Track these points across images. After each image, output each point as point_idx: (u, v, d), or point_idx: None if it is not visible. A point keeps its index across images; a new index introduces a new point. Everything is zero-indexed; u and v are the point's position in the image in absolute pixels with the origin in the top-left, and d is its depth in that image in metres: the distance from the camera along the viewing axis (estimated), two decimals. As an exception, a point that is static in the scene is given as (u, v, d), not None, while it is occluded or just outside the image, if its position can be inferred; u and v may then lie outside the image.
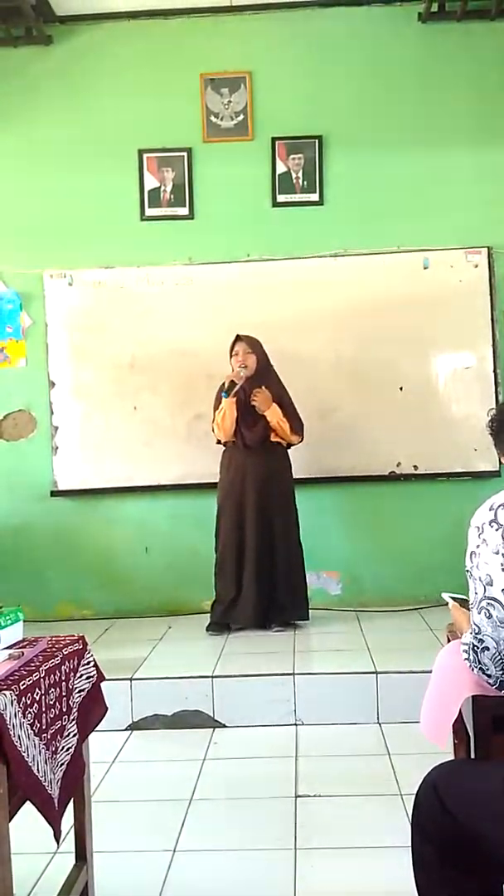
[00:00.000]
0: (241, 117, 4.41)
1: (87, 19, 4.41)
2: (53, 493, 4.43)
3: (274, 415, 3.83)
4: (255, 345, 3.88)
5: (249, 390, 3.83)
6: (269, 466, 3.87)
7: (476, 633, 1.59)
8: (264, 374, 3.88)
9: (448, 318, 4.35)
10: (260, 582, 3.82)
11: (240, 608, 3.87)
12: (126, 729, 3.18)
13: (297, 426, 3.91)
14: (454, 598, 1.89)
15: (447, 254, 4.33)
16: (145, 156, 4.43)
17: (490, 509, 1.63)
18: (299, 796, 2.57)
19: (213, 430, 3.95)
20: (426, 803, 1.52)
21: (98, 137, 4.43)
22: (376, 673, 3.23)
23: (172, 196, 4.44)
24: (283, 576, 3.86)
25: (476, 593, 1.61)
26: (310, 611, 3.99)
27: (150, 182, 4.44)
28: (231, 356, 3.88)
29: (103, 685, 1.95)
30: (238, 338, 3.88)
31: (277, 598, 3.87)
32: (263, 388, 3.81)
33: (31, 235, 4.43)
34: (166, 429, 4.39)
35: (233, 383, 3.80)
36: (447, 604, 1.92)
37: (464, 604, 1.84)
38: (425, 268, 4.34)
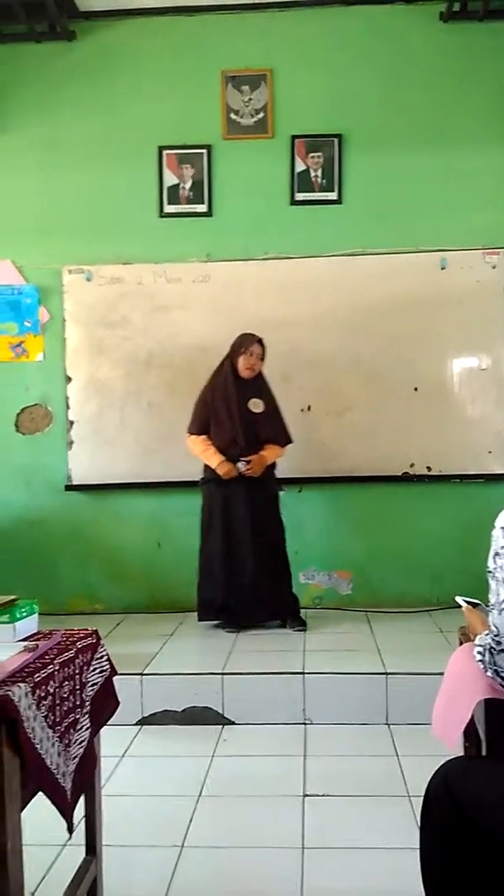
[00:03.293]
0: (261, 115, 4.41)
1: (109, 15, 4.42)
2: (68, 488, 4.45)
3: (271, 459, 3.84)
4: (265, 350, 3.88)
5: (246, 395, 3.82)
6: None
7: (496, 635, 1.59)
8: (259, 378, 3.89)
9: (465, 319, 4.33)
10: (249, 582, 3.81)
11: (230, 609, 3.86)
12: (136, 724, 3.20)
13: (285, 437, 3.90)
14: (468, 602, 1.89)
15: (465, 254, 4.32)
16: (165, 152, 4.44)
17: None
18: (307, 795, 2.58)
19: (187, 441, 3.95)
20: (436, 796, 1.52)
21: (118, 134, 4.45)
22: (386, 674, 3.23)
23: (191, 193, 4.44)
24: (272, 577, 3.84)
25: (498, 595, 1.60)
26: (304, 612, 3.99)
27: (170, 179, 4.45)
28: (241, 352, 3.84)
29: (114, 680, 1.96)
30: (256, 339, 3.85)
31: (269, 595, 3.85)
32: (256, 457, 3.78)
33: (50, 231, 4.45)
34: (181, 425, 4.38)
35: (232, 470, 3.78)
36: (460, 607, 1.92)
37: (477, 607, 1.84)
38: (443, 268, 4.33)
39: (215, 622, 3.92)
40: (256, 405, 3.84)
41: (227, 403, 3.83)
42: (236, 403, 3.82)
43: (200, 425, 3.89)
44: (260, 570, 3.81)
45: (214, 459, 3.81)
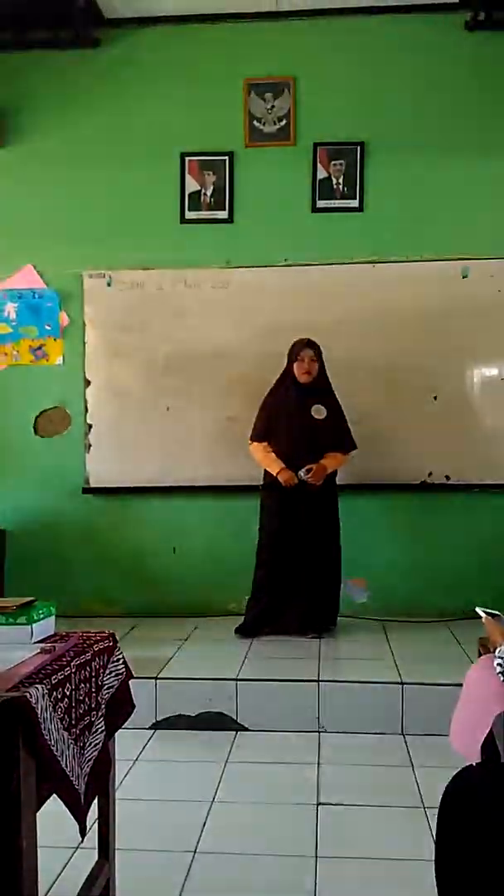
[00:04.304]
0: (283, 122, 4.42)
1: (133, 23, 4.45)
2: (85, 490, 4.47)
3: (332, 468, 3.82)
4: (319, 353, 3.86)
5: (308, 402, 3.80)
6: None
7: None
8: (319, 384, 3.86)
9: (486, 328, 4.30)
10: (302, 590, 3.81)
11: (279, 614, 3.85)
12: (150, 728, 3.20)
13: (348, 444, 3.89)
14: (488, 613, 1.87)
15: (487, 263, 4.29)
16: (187, 159, 4.46)
17: None
18: (321, 804, 2.56)
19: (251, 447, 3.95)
20: (451, 806, 1.51)
21: (141, 140, 4.47)
22: (402, 683, 3.21)
23: (213, 199, 4.46)
24: (323, 584, 3.84)
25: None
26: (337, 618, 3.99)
27: (191, 185, 4.47)
28: (295, 359, 3.84)
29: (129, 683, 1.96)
30: (306, 344, 3.84)
31: (315, 606, 3.85)
32: (317, 466, 3.75)
33: (71, 235, 4.48)
34: (198, 430, 4.41)
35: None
36: (480, 618, 1.90)
37: (497, 619, 1.82)
38: (464, 277, 4.31)
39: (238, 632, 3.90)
40: (319, 411, 3.81)
41: (288, 410, 3.83)
42: (297, 410, 3.81)
43: (261, 432, 3.90)
44: (310, 583, 3.80)
45: (275, 466, 3.80)
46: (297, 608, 3.83)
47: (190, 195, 4.47)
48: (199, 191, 4.47)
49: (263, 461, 3.87)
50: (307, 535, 3.80)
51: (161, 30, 4.46)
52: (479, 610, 1.93)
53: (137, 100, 4.49)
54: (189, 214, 4.47)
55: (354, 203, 4.40)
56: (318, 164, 4.41)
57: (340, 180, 4.41)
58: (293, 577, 3.81)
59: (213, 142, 4.45)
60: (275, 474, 3.80)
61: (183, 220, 4.47)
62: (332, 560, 3.90)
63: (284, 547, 3.82)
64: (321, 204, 4.41)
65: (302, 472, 3.74)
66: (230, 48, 4.44)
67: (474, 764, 1.63)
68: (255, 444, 3.92)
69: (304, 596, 3.82)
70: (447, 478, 4.32)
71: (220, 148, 4.44)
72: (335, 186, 4.41)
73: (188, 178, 4.47)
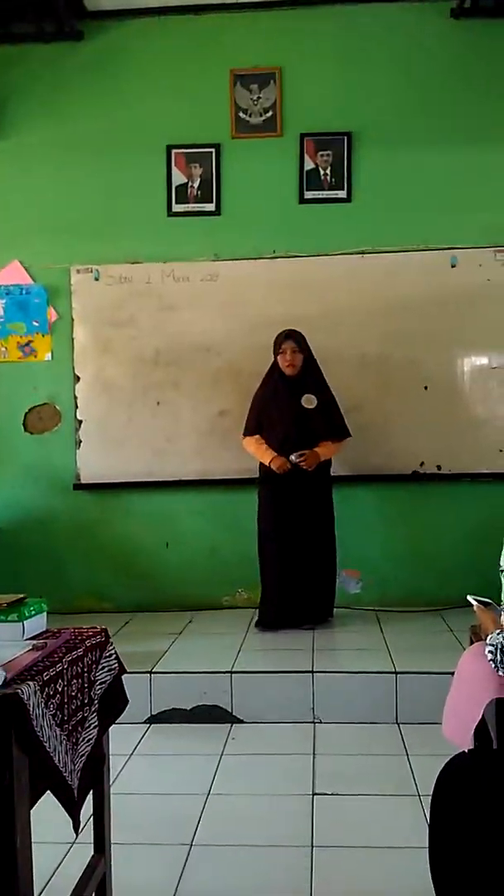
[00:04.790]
0: (269, 113, 4.40)
1: (117, 15, 4.41)
2: (76, 487, 4.46)
3: (325, 455, 3.82)
4: (302, 342, 3.85)
5: (297, 392, 3.80)
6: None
7: (507, 634, 1.58)
8: (308, 373, 3.86)
9: (475, 317, 4.31)
10: (299, 582, 3.82)
11: (283, 608, 3.87)
12: (145, 722, 3.20)
13: (341, 431, 3.89)
14: (479, 601, 1.88)
15: (475, 252, 4.29)
16: (173, 151, 4.43)
17: None
18: (316, 794, 2.57)
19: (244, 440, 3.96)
20: (444, 794, 1.51)
21: (127, 133, 4.45)
22: (396, 673, 3.22)
23: (200, 192, 4.44)
24: (319, 576, 3.85)
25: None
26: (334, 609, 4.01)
27: (178, 178, 4.44)
28: (277, 352, 3.85)
29: (122, 678, 1.96)
30: (287, 334, 3.84)
31: (311, 597, 3.86)
32: (310, 451, 3.75)
33: (58, 230, 4.45)
34: (189, 424, 4.40)
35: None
36: (471, 606, 1.90)
37: (489, 606, 1.83)
38: (453, 266, 4.31)
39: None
40: (309, 401, 3.81)
41: (278, 402, 3.83)
42: (286, 401, 3.81)
43: (253, 426, 3.90)
44: (309, 570, 3.81)
45: (267, 456, 3.80)
46: (295, 600, 3.84)
47: (177, 188, 4.45)
48: (186, 183, 4.45)
49: (256, 453, 3.87)
50: (302, 526, 3.81)
51: (145, 21, 4.43)
52: (470, 598, 1.94)
53: (123, 92, 4.46)
54: (176, 207, 4.45)
55: (342, 194, 4.39)
56: (306, 155, 4.39)
57: (328, 171, 4.39)
58: (291, 569, 3.81)
59: (199, 134, 4.42)
60: (268, 463, 3.80)
61: (170, 213, 4.45)
62: (328, 551, 3.91)
63: (282, 540, 3.82)
64: (309, 195, 4.40)
65: (293, 457, 3.74)
66: (215, 39, 4.41)
67: (466, 751, 1.64)
68: (248, 438, 3.92)
69: (301, 587, 3.83)
70: (439, 468, 4.33)
71: (207, 140, 4.42)
72: (323, 177, 4.40)
73: (175, 170, 4.44)
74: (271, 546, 3.87)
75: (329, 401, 3.89)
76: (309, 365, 3.88)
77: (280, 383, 3.85)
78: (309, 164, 4.39)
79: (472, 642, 1.92)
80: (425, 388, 4.33)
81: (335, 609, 4.04)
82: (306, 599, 3.85)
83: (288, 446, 3.77)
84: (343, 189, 4.38)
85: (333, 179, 4.39)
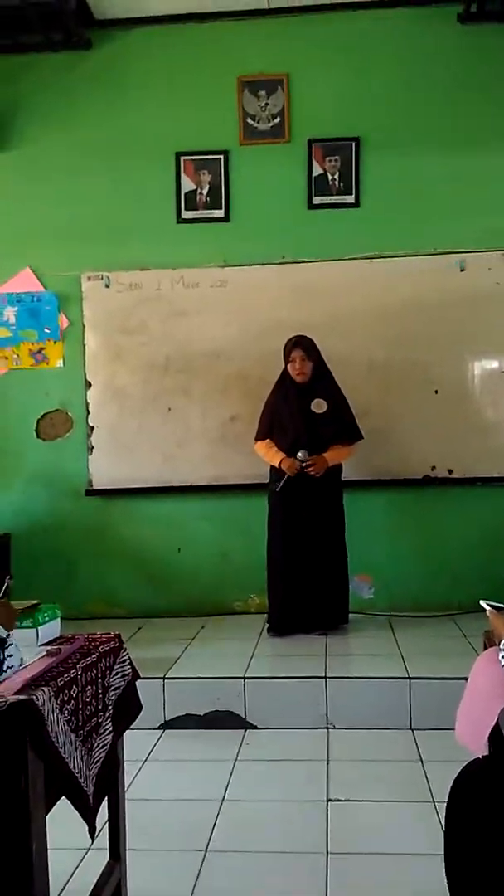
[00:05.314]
0: (277, 119, 4.42)
1: (125, 24, 4.45)
2: (88, 492, 4.47)
3: (333, 461, 3.81)
4: (312, 349, 3.84)
5: (307, 398, 3.80)
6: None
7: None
8: (318, 379, 3.86)
9: (484, 321, 4.30)
10: (310, 587, 3.81)
11: (291, 613, 3.86)
12: (158, 728, 3.21)
13: (351, 434, 3.88)
14: (493, 606, 1.87)
15: (484, 256, 4.29)
16: (182, 158, 4.46)
17: None
18: (331, 800, 2.56)
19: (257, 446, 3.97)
20: (459, 800, 1.51)
21: (136, 140, 4.47)
22: (409, 678, 3.21)
23: (208, 198, 4.46)
24: (330, 581, 3.84)
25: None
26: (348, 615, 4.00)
27: (187, 185, 4.46)
28: (287, 361, 3.85)
29: (136, 684, 1.97)
30: (296, 342, 3.84)
31: (323, 603, 3.85)
32: (318, 457, 3.75)
33: (69, 237, 4.48)
34: (200, 430, 4.41)
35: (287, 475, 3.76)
36: (485, 611, 1.90)
37: (502, 612, 1.82)
38: (461, 270, 4.30)
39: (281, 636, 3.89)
40: (319, 406, 3.81)
41: (289, 408, 3.84)
42: (297, 406, 3.82)
43: (265, 431, 3.91)
44: (319, 575, 3.80)
45: (277, 458, 3.81)
46: (307, 605, 3.83)
47: (186, 195, 4.47)
48: (195, 190, 4.46)
49: (266, 456, 3.88)
50: (312, 531, 3.80)
51: (152, 30, 4.46)
52: (483, 603, 1.93)
53: (131, 101, 4.48)
54: (185, 214, 4.47)
55: (350, 199, 4.40)
56: (314, 161, 4.40)
57: (336, 176, 4.40)
58: (302, 574, 3.81)
59: (207, 141, 4.44)
60: (277, 464, 3.80)
61: (179, 220, 4.47)
62: (338, 556, 3.90)
63: (291, 544, 3.82)
64: (317, 200, 4.41)
65: (300, 454, 3.73)
66: (222, 46, 4.43)
67: (481, 757, 1.63)
68: (259, 442, 3.93)
69: (313, 592, 3.82)
70: (450, 472, 4.32)
71: (215, 147, 4.44)
72: (331, 182, 4.41)
73: (184, 177, 4.47)
74: (279, 551, 3.86)
75: (340, 405, 3.89)
76: (320, 370, 3.88)
77: (291, 390, 3.86)
78: (317, 170, 4.40)
79: (485, 647, 1.92)
80: (435, 392, 4.32)
81: (349, 614, 4.02)
82: (316, 605, 3.84)
83: (298, 450, 3.78)
84: (351, 194, 4.39)
85: (341, 185, 4.40)
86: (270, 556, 3.92)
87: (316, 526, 3.81)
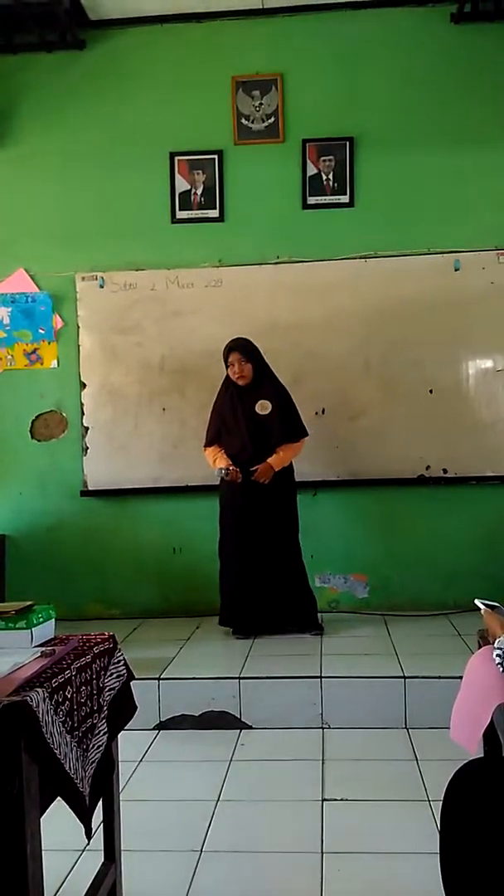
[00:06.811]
0: (271, 119, 4.42)
1: (119, 24, 4.44)
2: (83, 493, 4.47)
3: (280, 464, 3.80)
4: (250, 352, 3.82)
5: (251, 400, 3.80)
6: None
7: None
8: (260, 380, 3.84)
9: (479, 320, 4.31)
10: (265, 586, 3.80)
11: (238, 613, 3.87)
12: (153, 728, 3.20)
13: (296, 432, 3.86)
14: (487, 605, 1.87)
15: (479, 255, 4.30)
16: (176, 158, 4.45)
17: None
18: (326, 800, 2.57)
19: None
20: (455, 800, 1.51)
21: (130, 140, 4.47)
22: (404, 678, 3.21)
23: (203, 198, 4.46)
24: (286, 582, 3.83)
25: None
26: (320, 616, 3.97)
27: (181, 184, 4.46)
28: (226, 365, 3.85)
29: (131, 684, 1.97)
30: (232, 346, 3.82)
31: (281, 605, 3.83)
32: (262, 466, 3.75)
33: (62, 237, 4.48)
34: (195, 430, 4.39)
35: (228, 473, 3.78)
36: (479, 609, 1.90)
37: (496, 610, 1.83)
38: (456, 269, 4.31)
39: (229, 628, 3.92)
40: (263, 407, 3.81)
41: (234, 412, 3.84)
42: (241, 409, 3.82)
43: (212, 436, 3.93)
44: (273, 575, 3.81)
45: (221, 462, 3.82)
46: (266, 605, 3.82)
47: (180, 195, 4.47)
48: (190, 190, 4.46)
49: (213, 464, 3.88)
50: (261, 531, 3.80)
51: (146, 29, 4.45)
52: (478, 602, 1.93)
53: (125, 100, 4.48)
54: (180, 214, 4.47)
55: (345, 199, 4.40)
56: (308, 161, 4.40)
57: (330, 176, 4.40)
58: (250, 573, 3.80)
59: (201, 141, 4.44)
60: (216, 468, 3.82)
61: (174, 220, 4.47)
62: (290, 555, 3.85)
63: (241, 543, 3.82)
64: (312, 200, 4.41)
65: (217, 472, 3.76)
66: (216, 46, 4.43)
67: (476, 757, 1.63)
68: (207, 449, 3.93)
69: (269, 592, 3.81)
70: (444, 471, 4.32)
71: (209, 146, 4.44)
72: (325, 182, 4.41)
73: (178, 177, 4.46)
74: (228, 549, 3.87)
75: (284, 404, 3.87)
76: (261, 372, 3.86)
77: (234, 393, 3.85)
78: (311, 170, 4.41)
79: (479, 646, 1.92)
80: (430, 391, 4.33)
81: (343, 613, 4.03)
82: (269, 605, 3.82)
83: (244, 454, 3.78)
84: (345, 194, 4.39)
85: (336, 185, 4.40)
86: (221, 553, 3.91)
87: (265, 525, 3.80)
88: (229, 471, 3.76)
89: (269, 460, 3.77)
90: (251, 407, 3.82)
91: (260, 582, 3.81)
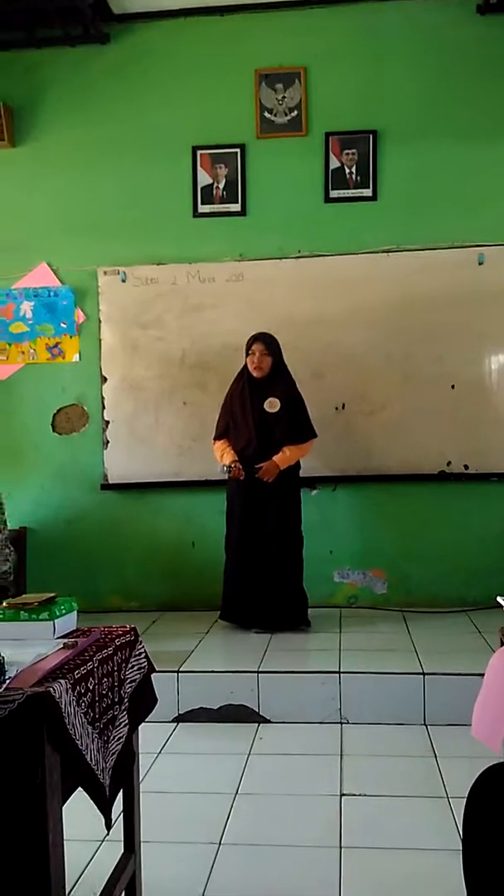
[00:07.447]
0: (294, 113, 4.39)
1: (143, 18, 4.44)
2: (104, 487, 4.49)
3: (285, 463, 3.79)
4: (272, 345, 3.84)
5: (262, 395, 3.80)
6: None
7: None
8: (275, 376, 3.84)
9: (503, 315, 4.26)
10: (262, 583, 3.81)
11: (236, 607, 3.88)
12: (172, 721, 3.22)
13: (303, 434, 3.84)
14: (509, 602, 1.86)
15: (503, 249, 4.25)
16: (199, 152, 4.45)
17: None
18: (344, 795, 2.57)
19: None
20: (481, 800, 1.49)
21: (152, 135, 4.47)
22: (423, 674, 3.20)
23: (225, 192, 4.45)
24: (282, 579, 3.81)
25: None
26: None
27: (203, 178, 4.46)
28: (247, 353, 3.86)
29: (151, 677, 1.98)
30: (256, 338, 3.84)
31: (274, 600, 3.82)
32: (267, 464, 3.75)
33: (85, 232, 4.49)
34: (215, 424, 4.40)
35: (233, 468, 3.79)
36: (501, 607, 1.89)
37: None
38: (480, 263, 4.27)
39: (230, 623, 3.92)
40: (272, 405, 3.81)
41: (243, 406, 3.85)
42: (250, 405, 3.82)
43: (221, 430, 3.94)
44: (269, 571, 3.80)
45: (227, 458, 3.83)
46: (259, 601, 3.82)
47: (202, 189, 4.46)
48: (212, 184, 4.46)
49: (219, 459, 3.90)
50: (263, 526, 3.80)
51: (170, 23, 4.45)
52: (499, 599, 1.92)
53: (148, 94, 4.48)
54: (202, 208, 4.46)
55: (368, 192, 4.37)
56: (331, 154, 4.38)
57: (353, 169, 4.38)
58: (252, 570, 3.81)
59: (224, 134, 4.43)
60: (222, 463, 3.84)
61: (196, 214, 4.47)
62: (290, 553, 3.83)
63: (243, 539, 3.82)
64: (334, 194, 4.39)
65: (219, 468, 3.77)
66: (240, 39, 4.42)
67: (502, 760, 1.62)
68: (216, 443, 3.94)
69: (262, 588, 3.81)
70: (466, 467, 4.29)
71: (232, 140, 4.43)
72: (348, 176, 4.38)
73: (200, 171, 4.46)
74: (232, 544, 3.88)
75: (294, 403, 3.85)
76: (277, 369, 3.86)
77: (246, 386, 3.86)
78: (334, 163, 4.38)
79: (501, 644, 1.90)
80: (452, 386, 4.30)
81: (363, 609, 4.02)
82: (263, 601, 3.81)
83: (250, 451, 3.78)
84: (369, 187, 4.36)
85: (359, 178, 4.37)
86: (226, 547, 3.93)
87: (267, 522, 3.79)
88: (232, 467, 3.76)
89: (274, 458, 3.77)
90: (260, 402, 3.82)
91: (256, 578, 3.81)
